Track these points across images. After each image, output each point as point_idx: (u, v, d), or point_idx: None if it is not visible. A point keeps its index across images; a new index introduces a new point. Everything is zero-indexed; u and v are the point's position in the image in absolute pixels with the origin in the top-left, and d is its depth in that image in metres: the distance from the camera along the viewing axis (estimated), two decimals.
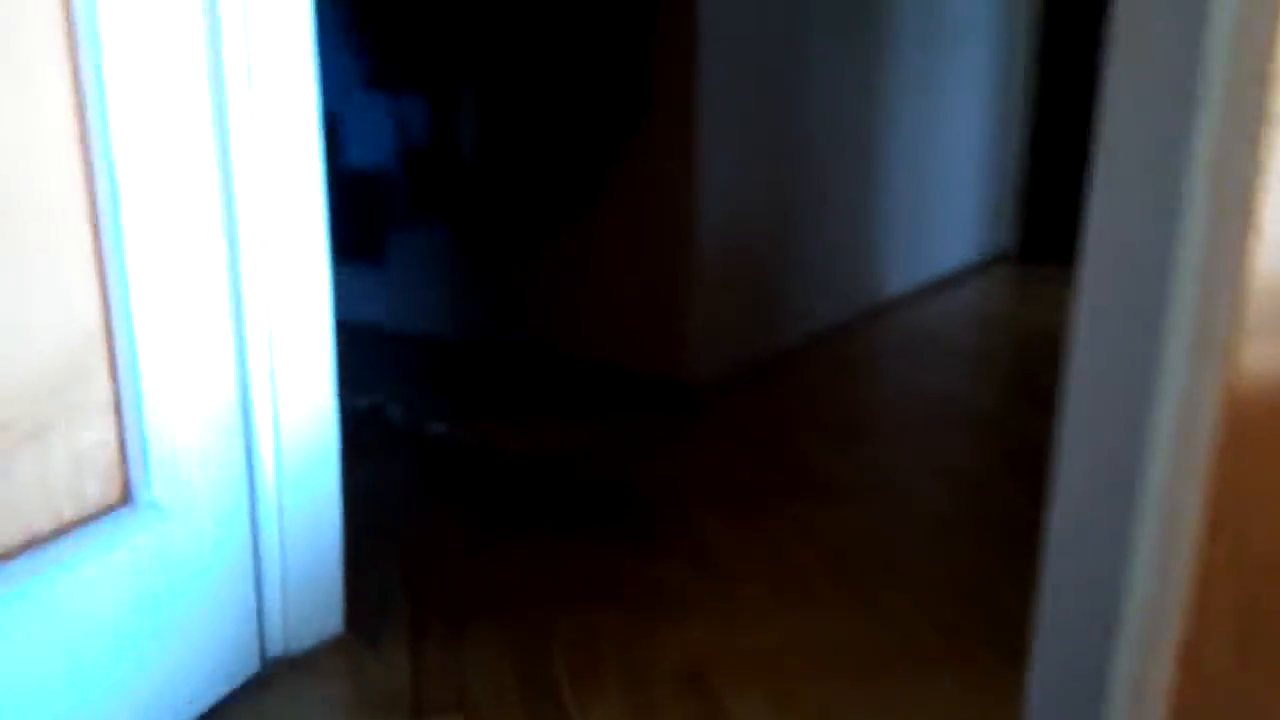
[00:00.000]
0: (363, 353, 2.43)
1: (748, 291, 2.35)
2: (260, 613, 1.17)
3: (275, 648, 1.19)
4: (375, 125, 2.23)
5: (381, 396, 2.08)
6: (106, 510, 0.98)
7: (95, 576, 0.95)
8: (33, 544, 0.92)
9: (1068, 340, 0.86)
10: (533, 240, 2.26)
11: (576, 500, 1.67)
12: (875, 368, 2.52)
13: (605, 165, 2.11)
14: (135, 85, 0.94)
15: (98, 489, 0.97)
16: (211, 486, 1.07)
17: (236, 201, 1.06)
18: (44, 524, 0.93)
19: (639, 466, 1.83)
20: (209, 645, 1.10)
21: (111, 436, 0.98)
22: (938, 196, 3.24)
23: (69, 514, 0.95)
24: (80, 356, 0.95)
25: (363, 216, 2.34)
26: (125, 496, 1.00)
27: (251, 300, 1.09)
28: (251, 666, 1.16)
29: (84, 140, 0.93)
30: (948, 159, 3.25)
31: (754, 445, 1.96)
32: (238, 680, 1.14)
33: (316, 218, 1.14)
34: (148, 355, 0.98)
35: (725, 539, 1.56)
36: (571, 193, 2.16)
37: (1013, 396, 2.33)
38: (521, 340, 2.38)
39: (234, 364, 1.09)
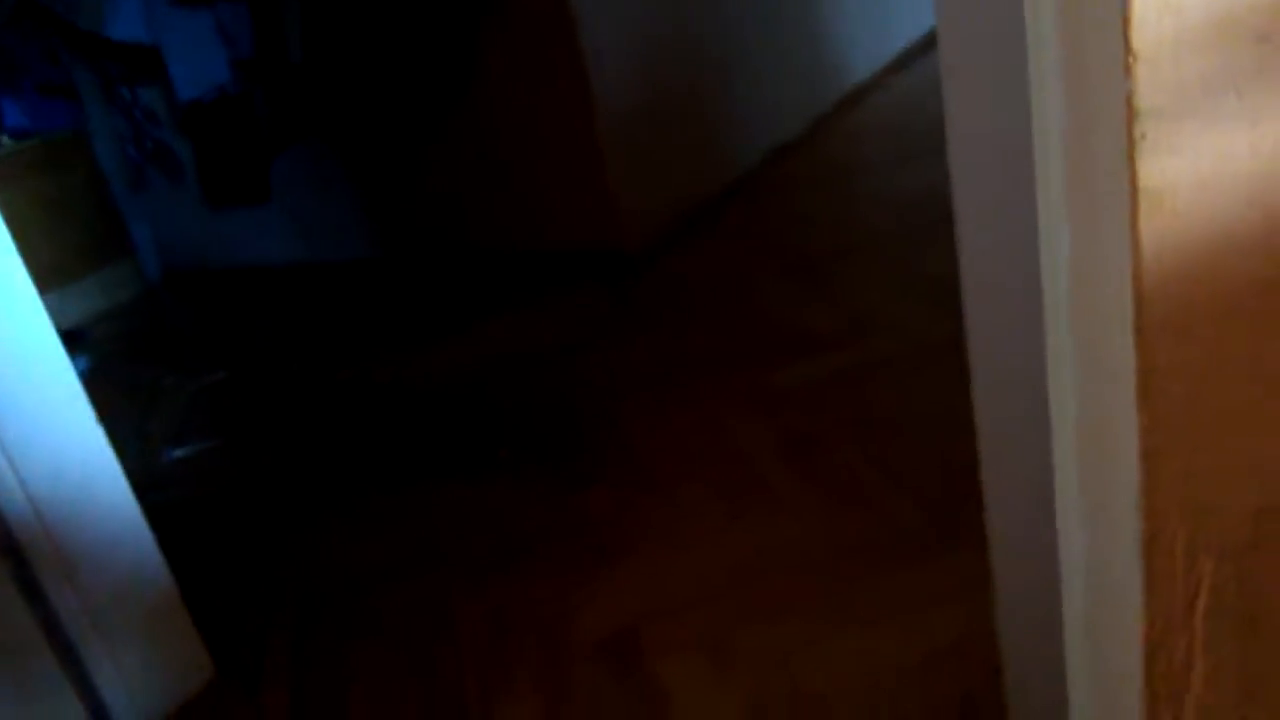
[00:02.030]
0: (272, 298, 2.18)
1: (677, 130, 2.02)
2: (91, 691, 0.96)
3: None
4: (198, 46, 1.91)
5: (288, 353, 1.84)
6: None
7: None
8: None
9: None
10: (413, 136, 1.96)
11: (490, 430, 1.43)
12: (839, 180, 2.19)
13: (459, 41, 1.78)
14: None
15: None
16: None
17: None
18: None
19: (566, 367, 1.57)
20: None
21: None
22: None
23: None
24: None
25: (225, 153, 2.04)
26: None
27: None
28: None
29: None
30: None
31: (701, 308, 1.69)
32: None
33: None
34: None
35: (665, 439, 1.31)
36: (435, 73, 1.84)
37: None
38: (438, 244, 2.10)
39: None
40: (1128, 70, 0.29)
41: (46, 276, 0.93)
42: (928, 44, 2.99)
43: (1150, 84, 0.29)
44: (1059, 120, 0.35)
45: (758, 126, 2.29)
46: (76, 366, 0.94)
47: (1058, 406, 0.44)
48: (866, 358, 1.40)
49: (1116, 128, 0.31)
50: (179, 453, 1.50)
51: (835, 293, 1.63)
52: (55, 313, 0.94)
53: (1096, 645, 0.48)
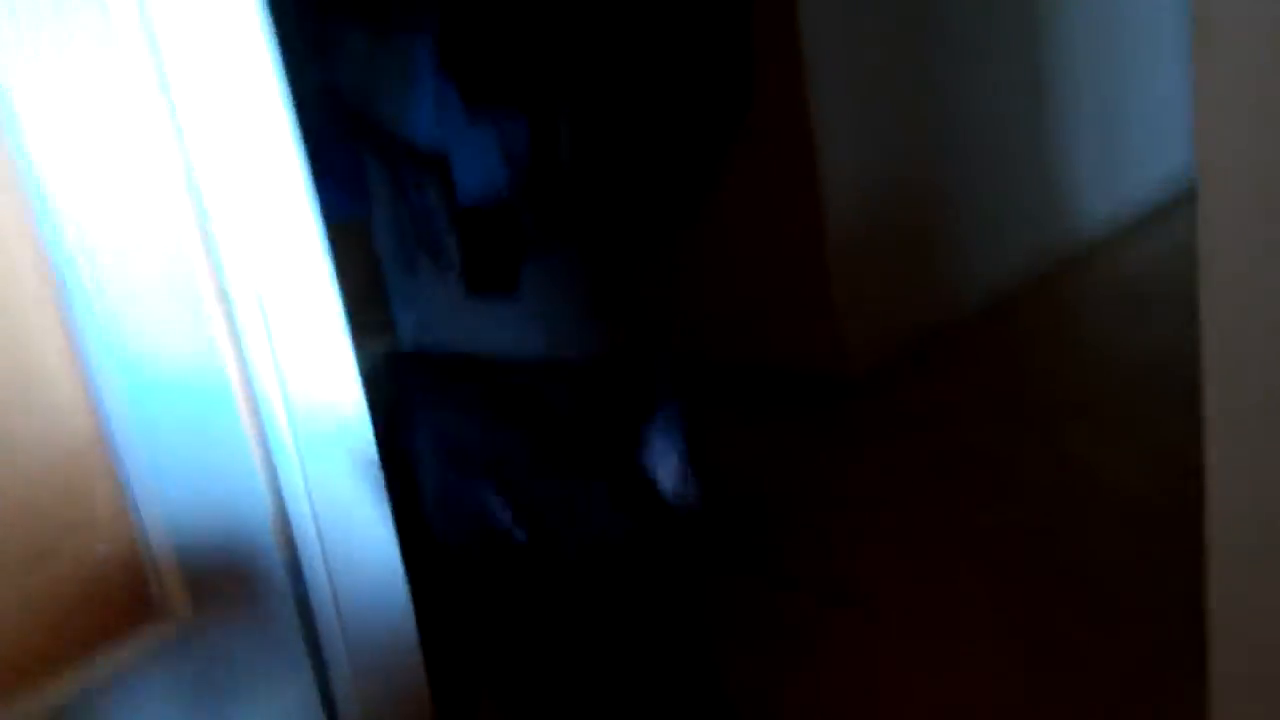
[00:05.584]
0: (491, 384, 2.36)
1: (904, 263, 2.10)
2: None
3: None
4: (482, 155, 2.16)
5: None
6: (125, 626, 0.92)
7: (119, 692, 0.90)
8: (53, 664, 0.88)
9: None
10: (653, 243, 2.12)
11: (695, 525, 1.50)
12: (1066, 333, 2.18)
13: (712, 160, 1.94)
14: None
15: (112, 604, 0.92)
16: (247, 591, 1.00)
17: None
18: (60, 643, 0.89)
19: (776, 480, 1.64)
20: None
21: (124, 550, 0.93)
22: (1134, 117, 2.80)
23: (84, 632, 0.90)
24: (75, 471, 0.90)
25: (489, 250, 2.27)
26: (145, 610, 0.94)
27: (257, 359, 1.01)
28: None
29: None
30: (1143, 68, 2.80)
31: (916, 443, 1.71)
32: None
33: (330, 297, 1.05)
34: (150, 463, 0.92)
35: (870, 561, 1.34)
36: (684, 190, 2.00)
37: None
38: (658, 348, 2.23)
39: (259, 460, 1.02)
40: None
41: None
42: (1168, 209, 2.94)
43: None
44: None
45: (980, 272, 2.31)
46: None
47: None
48: (1081, 512, 1.40)
49: None
50: None
51: (1053, 446, 1.63)
52: None
53: None
